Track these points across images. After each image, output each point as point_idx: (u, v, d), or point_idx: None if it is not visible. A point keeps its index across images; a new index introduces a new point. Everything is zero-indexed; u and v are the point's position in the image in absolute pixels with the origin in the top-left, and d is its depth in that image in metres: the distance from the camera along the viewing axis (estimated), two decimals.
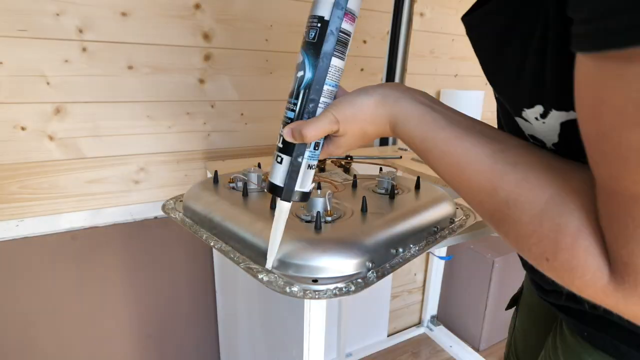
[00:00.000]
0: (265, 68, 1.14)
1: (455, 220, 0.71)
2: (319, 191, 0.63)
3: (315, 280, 0.51)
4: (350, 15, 0.40)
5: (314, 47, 0.40)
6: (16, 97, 0.87)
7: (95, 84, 0.94)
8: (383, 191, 0.74)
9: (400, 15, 1.30)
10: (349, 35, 0.41)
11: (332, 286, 0.50)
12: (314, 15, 0.40)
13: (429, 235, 0.65)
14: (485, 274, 1.58)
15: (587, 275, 0.27)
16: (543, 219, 0.29)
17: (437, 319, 1.82)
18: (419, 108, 0.38)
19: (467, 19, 0.39)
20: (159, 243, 1.13)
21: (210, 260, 1.22)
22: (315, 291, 0.49)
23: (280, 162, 0.43)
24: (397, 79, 1.38)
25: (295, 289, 0.49)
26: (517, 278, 1.65)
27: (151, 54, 0.98)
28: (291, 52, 1.16)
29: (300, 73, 0.41)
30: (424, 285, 1.79)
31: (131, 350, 1.17)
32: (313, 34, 0.40)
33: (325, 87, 0.41)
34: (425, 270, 1.76)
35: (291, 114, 0.42)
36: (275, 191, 0.44)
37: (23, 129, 0.89)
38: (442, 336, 1.72)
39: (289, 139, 0.41)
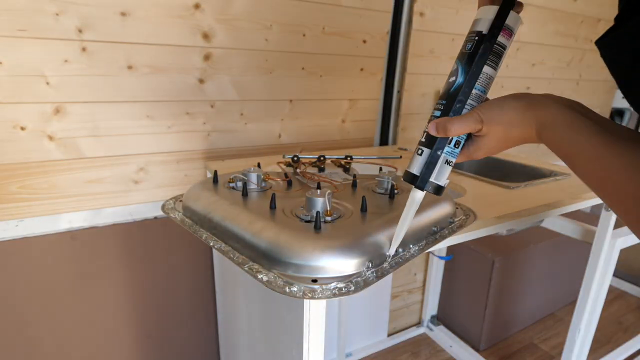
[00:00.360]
0: (265, 68, 1.14)
1: (455, 220, 0.71)
2: (318, 191, 0.63)
3: (314, 280, 0.51)
4: (508, 30, 0.43)
5: (468, 57, 0.44)
6: (16, 97, 0.87)
7: (95, 83, 0.94)
8: (383, 191, 0.74)
9: (400, 14, 1.30)
10: (504, 49, 0.44)
11: (331, 286, 0.50)
12: (473, 31, 0.44)
13: (429, 235, 0.65)
14: (485, 274, 1.58)
15: None
16: None
17: (437, 319, 1.82)
18: (570, 114, 0.37)
19: (601, 42, 0.39)
20: (159, 243, 1.13)
21: (210, 260, 1.22)
22: (315, 291, 0.49)
23: (420, 154, 0.46)
24: (397, 79, 1.38)
25: (294, 288, 0.49)
26: (517, 278, 1.65)
27: (151, 54, 0.98)
28: (291, 52, 1.16)
29: (452, 79, 0.44)
30: (424, 285, 1.79)
31: (131, 350, 1.17)
32: (470, 45, 0.44)
33: (474, 91, 0.44)
34: (425, 270, 1.76)
35: (437, 113, 0.45)
36: (411, 179, 0.47)
37: (23, 129, 0.89)
38: (442, 336, 1.72)
39: (432, 132, 0.44)
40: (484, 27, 0.43)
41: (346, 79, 1.29)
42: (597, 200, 0.97)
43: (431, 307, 1.79)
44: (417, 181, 0.47)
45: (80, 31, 0.89)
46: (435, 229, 0.66)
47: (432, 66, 1.47)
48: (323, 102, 1.28)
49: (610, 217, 1.03)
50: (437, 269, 1.73)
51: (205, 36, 1.03)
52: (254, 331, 0.91)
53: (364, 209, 0.63)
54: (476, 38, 0.43)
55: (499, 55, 0.44)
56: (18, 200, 0.93)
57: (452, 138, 0.45)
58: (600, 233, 1.06)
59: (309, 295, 0.49)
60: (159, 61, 0.99)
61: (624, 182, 0.32)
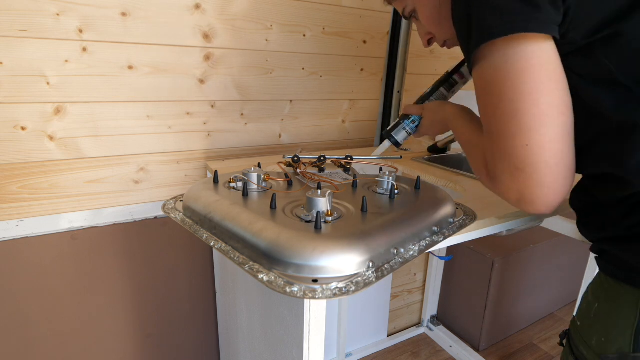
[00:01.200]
0: (265, 68, 1.14)
1: (455, 220, 0.71)
2: (319, 191, 0.63)
3: (315, 280, 0.51)
4: (460, 74, 0.81)
5: (436, 83, 0.85)
6: (16, 97, 0.87)
7: (95, 84, 0.94)
8: (383, 191, 0.74)
9: (400, 15, 1.30)
10: (457, 83, 0.82)
11: (332, 286, 0.50)
12: (447, 70, 0.83)
13: (429, 235, 0.65)
14: (485, 274, 1.59)
15: (482, 177, 0.56)
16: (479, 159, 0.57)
17: (437, 319, 1.83)
18: (458, 110, 0.70)
19: None
20: (159, 243, 1.13)
21: (210, 260, 1.22)
22: (315, 291, 0.49)
23: (395, 122, 0.86)
24: (397, 79, 1.38)
25: (295, 289, 0.49)
26: (517, 278, 1.65)
27: (152, 54, 0.98)
28: (291, 52, 1.16)
29: (425, 90, 0.85)
30: (424, 285, 1.79)
31: (131, 350, 1.17)
32: (441, 76, 0.84)
33: (431, 98, 0.84)
34: (425, 270, 1.76)
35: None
36: (385, 133, 0.87)
37: (23, 129, 0.89)
38: (442, 336, 1.72)
39: (401, 111, 0.87)
40: (450, 69, 0.82)
41: (346, 79, 1.29)
42: None
43: (431, 307, 1.79)
44: (385, 133, 0.86)
45: (80, 31, 0.89)
46: (436, 229, 0.66)
47: (432, 66, 1.47)
48: (323, 102, 1.28)
49: None
50: (437, 269, 1.73)
51: (206, 36, 1.03)
52: (254, 331, 0.91)
53: (364, 209, 0.63)
54: (445, 73, 0.83)
55: (452, 85, 0.82)
56: (18, 200, 0.93)
57: (410, 117, 0.84)
58: None
59: (310, 295, 0.49)
60: (159, 61, 0.99)
61: (473, 141, 0.61)
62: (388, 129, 0.85)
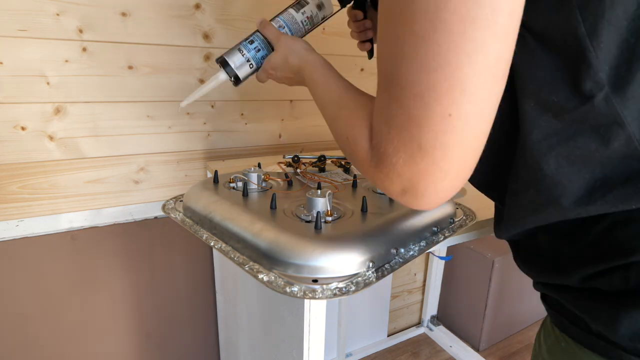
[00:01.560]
0: None
1: (455, 220, 0.72)
2: (319, 191, 0.63)
3: (315, 280, 0.51)
4: None
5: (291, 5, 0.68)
6: (16, 97, 0.87)
7: (95, 84, 0.94)
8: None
9: None
10: (307, 4, 0.66)
11: (332, 286, 0.50)
12: None
13: (429, 235, 0.65)
14: (485, 274, 1.59)
15: (358, 154, 0.39)
16: (347, 127, 0.42)
17: (437, 319, 1.83)
18: (323, 60, 0.58)
19: None
20: (159, 243, 1.13)
21: (210, 260, 1.22)
22: (315, 291, 0.49)
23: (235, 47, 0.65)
24: None
25: (295, 289, 0.49)
26: (517, 278, 1.65)
27: (151, 54, 0.98)
28: None
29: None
30: (424, 285, 1.79)
31: (131, 350, 1.17)
32: None
33: (277, 18, 0.67)
34: (425, 270, 1.76)
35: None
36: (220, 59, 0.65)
37: (23, 129, 0.89)
38: (442, 336, 1.72)
39: (257, 24, 0.67)
40: None
41: (347, 79, 1.29)
42: None
43: (431, 307, 1.79)
44: (219, 58, 0.64)
45: (80, 31, 0.89)
46: (436, 229, 0.66)
47: None
48: None
49: None
50: (437, 269, 1.73)
51: (206, 36, 1.03)
52: (254, 331, 0.91)
53: (364, 209, 0.63)
54: None
55: (301, 5, 0.67)
56: (18, 200, 0.93)
57: (255, 41, 0.64)
58: None
59: (310, 295, 0.49)
60: (159, 61, 0.99)
61: (331, 103, 0.49)
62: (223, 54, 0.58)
